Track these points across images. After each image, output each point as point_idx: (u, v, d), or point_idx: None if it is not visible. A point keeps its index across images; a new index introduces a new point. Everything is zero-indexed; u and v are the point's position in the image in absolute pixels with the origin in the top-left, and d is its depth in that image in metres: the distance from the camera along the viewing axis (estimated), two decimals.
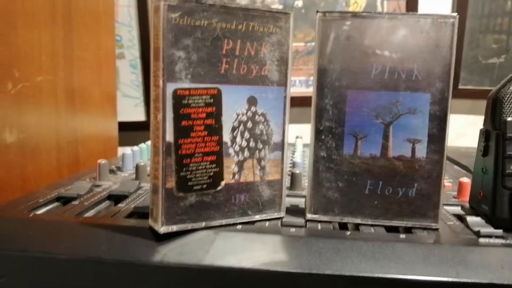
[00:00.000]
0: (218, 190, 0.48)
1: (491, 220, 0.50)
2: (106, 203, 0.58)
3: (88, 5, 0.91)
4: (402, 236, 0.47)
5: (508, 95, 0.50)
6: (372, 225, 0.50)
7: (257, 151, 0.50)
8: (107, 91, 1.00)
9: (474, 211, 0.55)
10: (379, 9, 1.23)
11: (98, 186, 0.63)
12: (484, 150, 0.52)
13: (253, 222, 0.50)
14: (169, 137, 0.45)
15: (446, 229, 0.50)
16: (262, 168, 0.50)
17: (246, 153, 0.49)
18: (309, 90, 1.21)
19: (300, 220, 0.50)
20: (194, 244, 0.46)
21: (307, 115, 1.00)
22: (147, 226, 0.48)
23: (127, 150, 0.74)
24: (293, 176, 0.64)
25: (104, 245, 0.46)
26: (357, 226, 0.50)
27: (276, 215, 0.52)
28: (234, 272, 0.43)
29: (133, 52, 1.24)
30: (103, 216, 0.52)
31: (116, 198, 0.59)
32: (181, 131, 0.45)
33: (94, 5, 0.94)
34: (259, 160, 0.50)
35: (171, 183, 0.46)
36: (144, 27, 1.23)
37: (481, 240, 0.47)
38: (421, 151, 0.49)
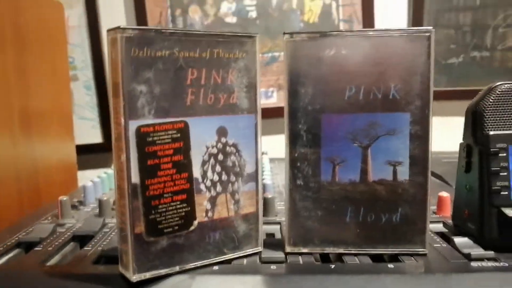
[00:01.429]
0: (190, 230, 0.45)
1: (478, 240, 0.49)
2: (71, 245, 0.54)
3: (40, 28, 0.86)
4: (390, 266, 0.45)
5: (488, 108, 0.48)
6: (355, 254, 0.48)
7: (230, 184, 0.46)
8: (64, 115, 0.95)
9: (458, 229, 0.53)
10: (335, 15, 1.21)
11: (61, 225, 0.59)
12: (466, 166, 0.50)
13: (229, 261, 0.47)
14: (135, 178, 0.41)
15: (434, 253, 0.48)
16: (236, 202, 0.47)
17: (219, 188, 0.46)
18: (269, 102, 1.19)
19: (279, 255, 0.47)
20: None
21: (269, 127, 0.97)
22: (117, 272, 0.44)
23: (88, 182, 0.69)
24: (265, 202, 0.60)
25: None
26: (340, 256, 0.48)
27: (253, 250, 0.48)
28: None
29: (86, 73, 1.19)
30: (69, 263, 0.48)
31: (81, 239, 0.55)
32: (147, 171, 0.42)
33: (45, 27, 0.89)
34: (233, 194, 0.47)
35: (140, 228, 0.42)
36: (96, 47, 1.18)
37: (473, 264, 0.44)
38: (403, 173, 0.46)
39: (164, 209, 0.43)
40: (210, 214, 0.46)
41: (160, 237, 0.43)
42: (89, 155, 1.17)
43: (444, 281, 0.42)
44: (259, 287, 0.42)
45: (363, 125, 0.46)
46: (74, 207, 0.66)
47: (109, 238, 0.54)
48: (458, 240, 0.49)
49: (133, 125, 0.41)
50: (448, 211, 0.60)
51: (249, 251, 0.48)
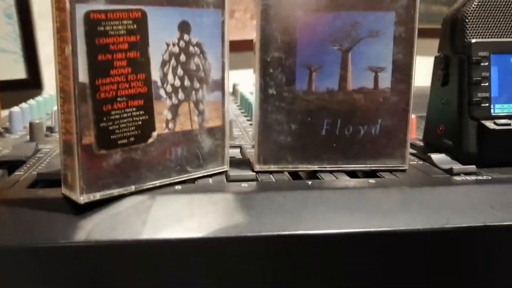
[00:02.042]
0: (149, 143, 0.38)
1: (456, 155, 0.46)
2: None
3: None
4: (371, 181, 0.41)
5: (471, 14, 0.45)
6: (331, 171, 0.43)
7: (193, 91, 0.40)
8: None
9: (430, 147, 0.50)
10: None
11: None
12: (443, 78, 0.47)
13: (193, 180, 0.41)
14: (83, 77, 0.34)
15: (413, 170, 0.44)
16: (201, 113, 0.41)
17: (181, 95, 0.39)
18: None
19: (248, 173, 0.42)
20: (126, 214, 0.36)
21: (240, 61, 0.90)
22: (60, 196, 0.37)
23: (15, 108, 0.60)
24: None
25: (7, 226, 0.34)
26: (313, 175, 0.43)
27: (219, 169, 0.43)
28: (181, 244, 0.34)
29: None
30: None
31: (10, 165, 0.46)
32: (98, 68, 0.34)
33: None
34: (197, 103, 0.40)
35: (89, 138, 0.35)
36: None
37: (456, 178, 0.42)
38: (385, 80, 0.42)
39: (117, 116, 0.36)
40: (171, 125, 0.39)
41: (113, 150, 0.36)
42: (12, 92, 1.04)
43: (430, 193, 0.39)
44: (231, 206, 0.37)
45: (343, 26, 0.41)
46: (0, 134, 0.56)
47: (45, 162, 0.46)
48: (436, 156, 0.46)
49: (80, 9, 0.33)
50: (413, 134, 0.57)
51: (215, 170, 0.42)
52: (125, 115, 0.36)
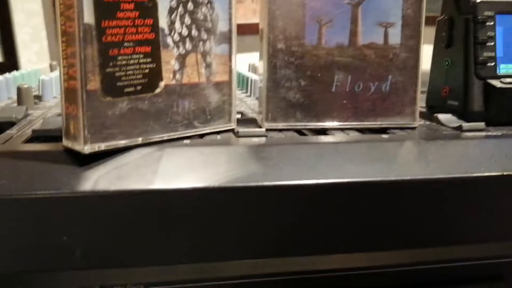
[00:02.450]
0: (156, 93, 0.36)
1: (462, 115, 0.45)
2: None
3: None
4: (384, 136, 0.40)
5: None
6: (342, 129, 0.42)
7: (201, 42, 0.38)
8: None
9: (434, 111, 0.49)
10: None
11: None
12: (447, 40, 0.47)
13: (201, 136, 0.39)
14: (88, 17, 0.32)
15: (423, 128, 0.43)
16: (208, 66, 0.39)
17: (188, 45, 0.38)
18: None
19: (257, 130, 0.40)
20: (134, 165, 0.34)
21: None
22: (61, 149, 0.35)
23: None
24: None
25: (6, 179, 0.32)
26: (322, 133, 0.42)
27: (226, 126, 0.41)
28: (196, 195, 0.32)
29: None
30: None
31: None
32: (104, 9, 0.32)
33: None
34: (204, 55, 0.39)
35: (95, 83, 0.33)
36: None
37: (467, 134, 0.41)
38: (395, 36, 0.41)
39: (124, 62, 0.34)
40: (178, 76, 0.37)
41: (119, 98, 0.34)
42: None
43: (445, 146, 0.38)
44: (247, 157, 0.35)
45: None
46: None
47: (38, 123, 0.43)
48: (442, 116, 0.46)
49: None
50: None
51: (222, 126, 0.41)
52: (132, 61, 0.34)
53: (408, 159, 0.37)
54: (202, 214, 0.33)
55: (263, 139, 0.39)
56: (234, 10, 0.40)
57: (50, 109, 0.51)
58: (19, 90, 0.49)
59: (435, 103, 0.49)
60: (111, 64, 0.33)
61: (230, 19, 0.40)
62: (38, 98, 0.55)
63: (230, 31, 0.40)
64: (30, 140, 0.38)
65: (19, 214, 0.31)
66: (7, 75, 0.60)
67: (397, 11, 0.41)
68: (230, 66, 0.40)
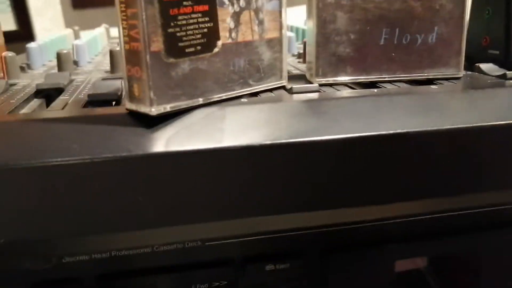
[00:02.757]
0: (214, 53, 0.36)
1: (503, 64, 0.46)
2: (36, 101, 0.43)
3: None
4: (433, 87, 0.41)
5: None
6: (390, 81, 0.42)
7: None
8: None
9: (472, 61, 0.50)
10: None
11: (13, 85, 0.47)
12: None
13: (255, 94, 0.40)
14: None
15: (467, 78, 0.44)
16: (261, 23, 0.39)
17: (242, 2, 0.37)
18: None
19: (310, 86, 0.40)
20: (200, 124, 0.34)
21: None
22: (125, 112, 0.35)
23: (31, 43, 0.56)
24: None
25: (77, 142, 0.32)
26: (372, 87, 0.42)
27: (278, 83, 0.41)
28: (266, 150, 0.33)
29: None
30: (49, 110, 0.37)
31: (46, 94, 0.43)
32: None
33: None
34: (257, 12, 0.39)
35: (158, 45, 0.33)
36: None
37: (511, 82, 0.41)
38: None
39: (184, 22, 0.34)
40: (234, 35, 0.37)
41: (181, 59, 0.34)
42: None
43: (496, 93, 0.39)
44: (305, 112, 0.36)
45: None
46: (21, 68, 0.53)
47: (86, 90, 0.43)
48: (484, 65, 0.46)
49: None
50: None
51: (274, 84, 0.41)
52: (191, 21, 0.34)
53: (460, 108, 0.38)
54: (269, 168, 0.33)
55: (316, 94, 0.39)
56: None
57: (91, 73, 0.51)
58: (59, 56, 0.49)
59: (474, 53, 0.50)
60: (172, 24, 0.33)
61: None
62: (76, 63, 0.54)
63: None
64: (87, 104, 0.39)
65: (93, 177, 0.32)
66: (38, 41, 0.59)
67: None
68: (281, 22, 0.40)
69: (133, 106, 0.35)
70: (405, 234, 0.40)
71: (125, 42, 0.34)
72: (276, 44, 0.40)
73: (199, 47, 0.35)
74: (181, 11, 0.34)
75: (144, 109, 0.34)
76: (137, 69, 0.33)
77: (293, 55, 0.62)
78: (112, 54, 0.50)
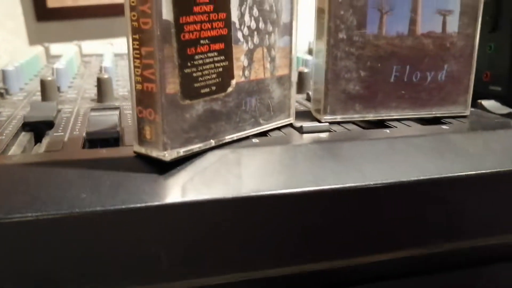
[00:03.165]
0: (228, 92, 0.34)
1: (506, 101, 0.46)
2: (25, 135, 0.39)
3: None
4: (445, 127, 0.40)
5: None
6: (399, 120, 0.42)
7: (266, 35, 0.36)
8: None
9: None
10: None
11: None
12: (492, 24, 0.46)
13: (265, 133, 0.38)
14: (167, 13, 0.29)
15: (472, 116, 0.44)
16: (272, 60, 0.37)
17: (256, 39, 0.36)
18: None
19: (320, 125, 0.39)
20: (214, 169, 0.32)
21: None
22: (132, 155, 0.33)
23: (8, 67, 0.52)
24: None
25: (85, 190, 0.29)
26: (380, 125, 0.41)
27: (286, 121, 0.40)
28: (282, 199, 0.31)
29: None
30: (47, 151, 0.34)
31: (34, 127, 0.40)
32: (182, 3, 0.30)
33: None
34: (269, 49, 0.37)
35: (174, 86, 0.30)
36: None
37: None
38: (453, 24, 0.41)
39: (201, 62, 0.32)
40: (247, 73, 0.35)
41: (196, 100, 0.32)
42: None
43: (505, 136, 0.39)
44: (322, 156, 0.34)
45: None
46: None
47: (78, 123, 0.40)
48: (486, 102, 0.46)
49: None
50: None
51: (283, 121, 0.39)
52: (207, 60, 0.32)
53: (474, 151, 0.37)
54: (291, 217, 0.32)
55: (328, 134, 0.37)
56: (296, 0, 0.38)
57: (76, 101, 0.48)
58: (43, 83, 0.45)
59: (474, 88, 0.49)
60: (189, 64, 0.31)
61: (292, 9, 0.38)
62: (58, 88, 0.51)
63: (291, 21, 0.38)
64: (86, 143, 0.36)
65: (104, 229, 0.29)
66: (15, 63, 0.55)
67: None
68: (291, 59, 0.39)
69: (142, 150, 0.32)
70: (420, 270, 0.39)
71: (137, 82, 0.31)
72: (286, 81, 0.39)
73: (214, 87, 0.33)
74: (198, 50, 0.31)
75: (156, 153, 0.31)
76: (150, 111, 0.31)
77: None
78: (100, 82, 0.47)
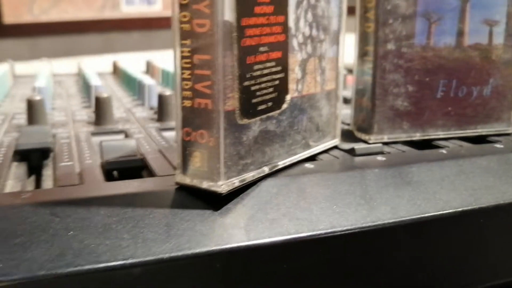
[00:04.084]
0: (282, 109, 0.29)
1: None
2: (17, 167, 0.32)
3: None
4: (498, 146, 0.36)
5: None
6: (446, 139, 0.38)
7: (318, 44, 0.31)
8: None
9: None
10: None
11: None
12: None
13: (313, 157, 0.33)
14: (229, 13, 0.24)
15: None
16: (322, 72, 0.32)
17: (309, 48, 0.31)
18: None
19: (372, 147, 0.34)
20: (278, 203, 0.26)
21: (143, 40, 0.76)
22: (172, 186, 0.26)
23: None
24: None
25: (125, 236, 0.23)
26: (426, 145, 0.37)
27: (332, 143, 0.35)
28: (365, 234, 0.26)
29: None
30: (63, 185, 0.27)
31: (27, 156, 0.33)
32: (244, 2, 0.25)
33: None
34: (320, 59, 0.32)
35: (233, 102, 0.25)
36: None
37: None
38: (499, 36, 0.38)
39: (259, 73, 0.26)
40: (300, 87, 0.30)
41: (253, 118, 0.27)
42: None
43: None
44: (394, 182, 0.29)
45: None
46: None
47: (86, 150, 0.33)
48: None
49: None
50: None
51: (330, 143, 0.34)
52: (265, 71, 0.27)
53: None
54: (375, 253, 0.27)
55: (385, 157, 0.33)
56: (345, 5, 0.33)
57: (68, 125, 0.40)
58: (31, 104, 0.38)
59: None
60: (247, 75, 0.26)
61: (340, 15, 0.33)
62: None
63: (339, 28, 0.33)
64: (107, 173, 0.29)
65: (157, 282, 0.23)
66: None
67: (503, 7, 0.37)
68: (338, 71, 0.34)
69: (187, 180, 0.26)
70: None
71: (185, 98, 0.25)
72: (333, 96, 0.34)
73: (270, 103, 0.28)
74: (257, 58, 0.26)
75: (208, 184, 0.25)
76: (202, 133, 0.25)
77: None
78: (98, 101, 0.40)
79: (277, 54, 0.28)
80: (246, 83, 0.26)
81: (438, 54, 0.36)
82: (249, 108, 0.26)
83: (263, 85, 0.27)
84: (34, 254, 0.21)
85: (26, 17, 1.02)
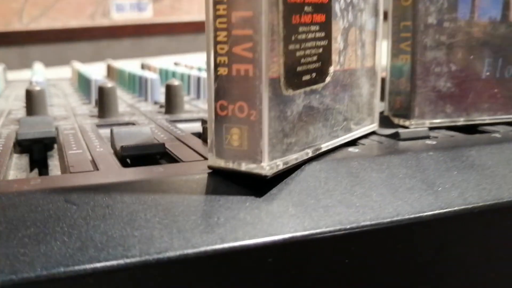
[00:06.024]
0: (326, 83, 0.25)
1: None
2: (19, 158, 0.28)
3: None
4: None
5: None
6: (491, 124, 0.34)
7: (358, 13, 0.28)
8: None
9: None
10: None
11: None
12: None
13: (354, 141, 0.29)
14: None
15: None
16: (362, 45, 0.29)
17: (350, 16, 0.27)
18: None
19: (418, 131, 0.30)
20: (330, 189, 0.23)
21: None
22: (204, 170, 0.23)
23: None
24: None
25: (158, 227, 0.19)
26: (470, 130, 0.34)
27: (371, 127, 0.31)
28: (434, 222, 0.22)
29: None
30: (76, 172, 0.23)
31: (30, 147, 0.29)
32: None
33: None
34: (360, 30, 0.28)
35: (277, 69, 0.21)
36: None
37: None
38: None
39: (303, 36, 0.23)
40: (341, 59, 0.27)
41: (298, 90, 0.23)
42: None
43: None
44: (458, 164, 0.26)
45: None
46: None
47: (95, 140, 0.29)
48: None
49: None
50: None
51: (370, 127, 0.31)
52: (310, 35, 0.23)
53: None
54: (442, 242, 0.23)
55: (432, 141, 0.29)
56: None
57: (70, 118, 0.36)
58: (31, 94, 0.34)
59: None
60: (293, 38, 0.22)
61: None
62: None
63: (376, 1, 0.30)
64: (123, 161, 0.25)
65: (197, 280, 0.19)
66: None
67: None
68: (375, 46, 0.30)
69: (222, 163, 0.22)
70: None
71: (220, 65, 0.21)
72: (372, 75, 0.30)
73: (314, 74, 0.24)
74: (302, 19, 0.22)
75: (249, 167, 0.21)
76: (242, 105, 0.21)
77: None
78: (102, 92, 0.36)
79: (321, 18, 0.24)
80: (291, 47, 0.22)
81: (483, 29, 0.33)
82: (294, 77, 0.22)
83: (307, 52, 0.23)
84: (50, 247, 0.17)
85: (16, 26, 0.98)
